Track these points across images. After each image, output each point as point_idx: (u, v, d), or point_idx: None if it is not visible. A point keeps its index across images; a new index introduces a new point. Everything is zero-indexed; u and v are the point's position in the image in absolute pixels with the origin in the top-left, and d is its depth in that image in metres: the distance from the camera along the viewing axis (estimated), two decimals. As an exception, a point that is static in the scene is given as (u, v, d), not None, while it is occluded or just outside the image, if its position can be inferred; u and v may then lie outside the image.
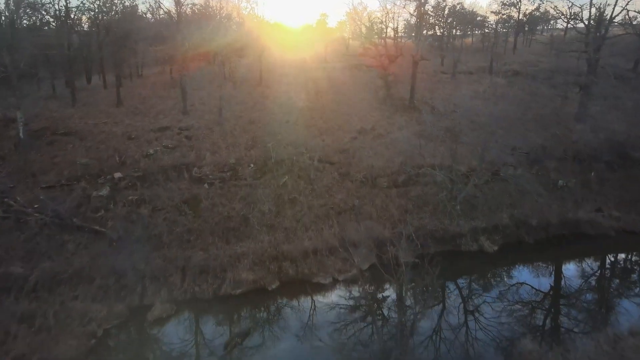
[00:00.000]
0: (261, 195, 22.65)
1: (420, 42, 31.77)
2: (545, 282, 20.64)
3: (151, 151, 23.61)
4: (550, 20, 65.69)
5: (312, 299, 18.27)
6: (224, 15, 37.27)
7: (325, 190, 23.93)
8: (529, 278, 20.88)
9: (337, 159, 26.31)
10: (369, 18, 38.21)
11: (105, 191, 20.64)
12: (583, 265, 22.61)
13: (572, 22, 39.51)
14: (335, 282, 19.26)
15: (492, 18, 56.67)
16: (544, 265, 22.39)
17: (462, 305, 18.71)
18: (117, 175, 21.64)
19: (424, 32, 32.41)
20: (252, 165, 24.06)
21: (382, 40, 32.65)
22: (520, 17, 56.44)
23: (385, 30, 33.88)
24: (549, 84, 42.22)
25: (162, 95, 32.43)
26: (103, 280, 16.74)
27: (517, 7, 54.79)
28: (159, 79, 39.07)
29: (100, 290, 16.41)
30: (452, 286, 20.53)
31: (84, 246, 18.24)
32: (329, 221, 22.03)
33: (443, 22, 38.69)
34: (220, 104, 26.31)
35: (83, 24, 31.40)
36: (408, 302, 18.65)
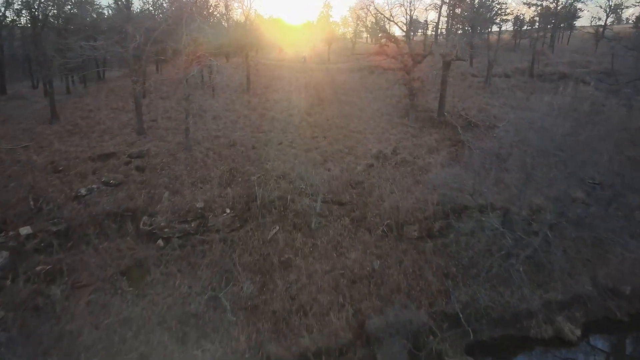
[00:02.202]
0: (239, 257, 16.66)
1: (452, 39, 25.97)
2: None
3: (83, 191, 17.64)
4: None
5: None
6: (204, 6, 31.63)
7: (332, 246, 17.98)
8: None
9: (347, 197, 20.37)
10: (374, 14, 32.30)
11: (1, 258, 14.59)
12: None
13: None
14: (349, 406, 13.23)
15: (526, 11, 51.12)
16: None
17: None
18: (25, 230, 15.64)
19: (455, 26, 26.51)
20: (228, 211, 18.07)
21: (406, 37, 26.91)
22: (559, 9, 50.83)
23: (408, 24, 28.07)
24: (606, 89, 36.61)
25: (116, 107, 26.52)
26: None
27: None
28: (122, 83, 33.22)
29: None
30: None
31: (-51, 359, 12.16)
32: (338, 297, 16.11)
33: (474, 13, 33.02)
34: (186, 122, 20.34)
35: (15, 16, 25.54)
36: None
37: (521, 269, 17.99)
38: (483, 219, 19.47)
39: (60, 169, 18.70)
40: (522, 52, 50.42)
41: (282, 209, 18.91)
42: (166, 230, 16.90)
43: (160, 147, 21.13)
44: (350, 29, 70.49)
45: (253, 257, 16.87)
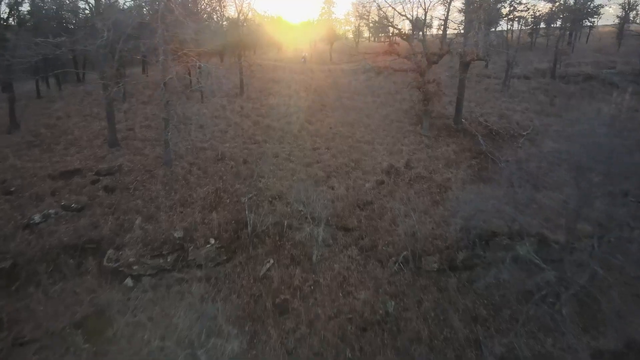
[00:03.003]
0: (225, 300, 14.02)
1: (472, 36, 23.44)
2: None
3: (37, 218, 15.04)
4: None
5: None
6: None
7: (337, 284, 15.33)
8: None
9: (355, 221, 17.74)
10: (384, 8, 29.92)
11: None
12: None
13: None
14: None
15: (543, 7, 48.67)
16: None
17: None
18: (-41, 271, 12.98)
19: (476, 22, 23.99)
20: (212, 241, 15.43)
21: (420, 34, 24.41)
22: (577, 6, 48.41)
23: (423, 21, 25.66)
24: (638, 93, 34.11)
25: (89, 114, 23.96)
26: None
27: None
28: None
29: None
30: None
31: None
32: (345, 351, 13.40)
33: (491, 9, 30.66)
34: (165, 132, 17.75)
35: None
36: None
37: (564, 310, 15.39)
38: (517, 248, 16.87)
39: (12, 189, 16.10)
40: (540, 51, 48.02)
41: (277, 237, 16.29)
42: (135, 267, 14.26)
43: (135, 162, 18.53)
44: (352, 27, 68.33)
45: (242, 300, 14.22)
